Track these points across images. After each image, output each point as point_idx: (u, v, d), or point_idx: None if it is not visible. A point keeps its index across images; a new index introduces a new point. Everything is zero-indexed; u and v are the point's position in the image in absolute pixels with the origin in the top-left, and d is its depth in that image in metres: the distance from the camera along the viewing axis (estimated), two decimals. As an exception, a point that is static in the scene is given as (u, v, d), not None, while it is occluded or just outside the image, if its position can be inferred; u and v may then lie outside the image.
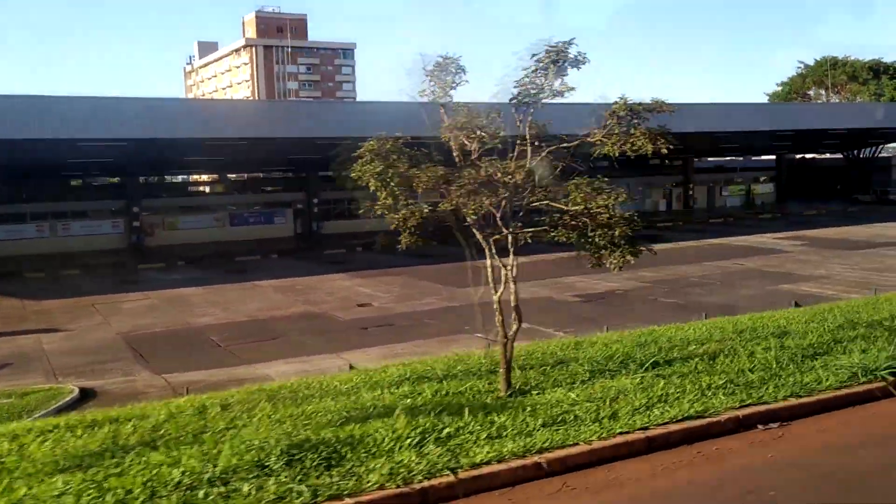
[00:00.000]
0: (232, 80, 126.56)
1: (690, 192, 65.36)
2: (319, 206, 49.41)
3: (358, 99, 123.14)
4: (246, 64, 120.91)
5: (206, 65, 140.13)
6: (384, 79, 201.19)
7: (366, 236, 48.25)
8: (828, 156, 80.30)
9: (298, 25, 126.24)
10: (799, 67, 77.03)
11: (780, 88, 78.99)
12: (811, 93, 78.25)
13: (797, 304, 17.05)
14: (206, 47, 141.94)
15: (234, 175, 55.76)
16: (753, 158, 77.37)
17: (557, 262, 36.76)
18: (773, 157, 79.42)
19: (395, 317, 23.82)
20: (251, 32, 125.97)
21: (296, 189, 50.61)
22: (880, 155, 77.81)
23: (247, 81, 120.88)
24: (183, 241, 44.43)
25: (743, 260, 34.71)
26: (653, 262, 34.72)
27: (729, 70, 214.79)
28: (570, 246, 9.57)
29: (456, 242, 9.65)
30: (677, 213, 62.09)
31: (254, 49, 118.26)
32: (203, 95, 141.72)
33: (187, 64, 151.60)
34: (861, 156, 76.31)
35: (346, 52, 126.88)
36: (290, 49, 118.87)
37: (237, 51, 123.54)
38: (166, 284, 31.64)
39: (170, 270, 35.96)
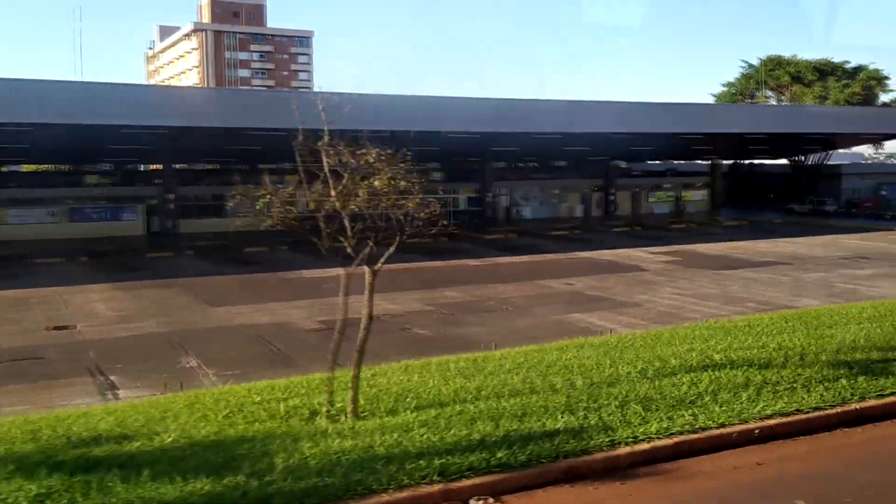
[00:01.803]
0: (184, 67, 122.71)
1: (611, 198, 61.15)
2: (177, 202, 45.49)
3: (315, 89, 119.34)
4: (196, 49, 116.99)
5: (164, 50, 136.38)
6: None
7: (228, 237, 44.37)
8: (776, 161, 76.02)
9: (255, 11, 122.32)
10: (742, 67, 72.70)
11: (725, 89, 74.64)
12: (761, 94, 73.77)
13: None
14: (168, 31, 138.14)
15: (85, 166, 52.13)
16: (688, 163, 73.07)
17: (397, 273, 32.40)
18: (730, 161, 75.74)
19: (69, 346, 19.93)
20: (208, 17, 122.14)
21: (150, 182, 46.80)
22: (828, 162, 73.51)
23: (196, 68, 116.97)
24: (8, 238, 40.56)
25: (577, 279, 30.65)
26: (477, 280, 31.06)
27: (680, 70, 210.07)
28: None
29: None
30: (594, 220, 58.02)
31: (203, 34, 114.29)
32: (162, 82, 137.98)
33: (149, 49, 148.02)
34: (808, 162, 72.04)
35: (303, 39, 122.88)
36: (241, 35, 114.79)
37: (188, 35, 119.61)
38: None
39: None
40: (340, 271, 9.17)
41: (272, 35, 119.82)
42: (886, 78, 68.58)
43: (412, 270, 33.88)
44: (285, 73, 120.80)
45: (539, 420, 8.85)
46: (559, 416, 8.93)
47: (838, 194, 71.51)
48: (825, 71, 67.39)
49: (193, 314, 24.11)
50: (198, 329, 22.00)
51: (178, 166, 51.82)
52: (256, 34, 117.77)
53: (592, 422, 8.77)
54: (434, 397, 10.01)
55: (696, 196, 67.09)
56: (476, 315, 23.97)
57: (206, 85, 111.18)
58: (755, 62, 70.97)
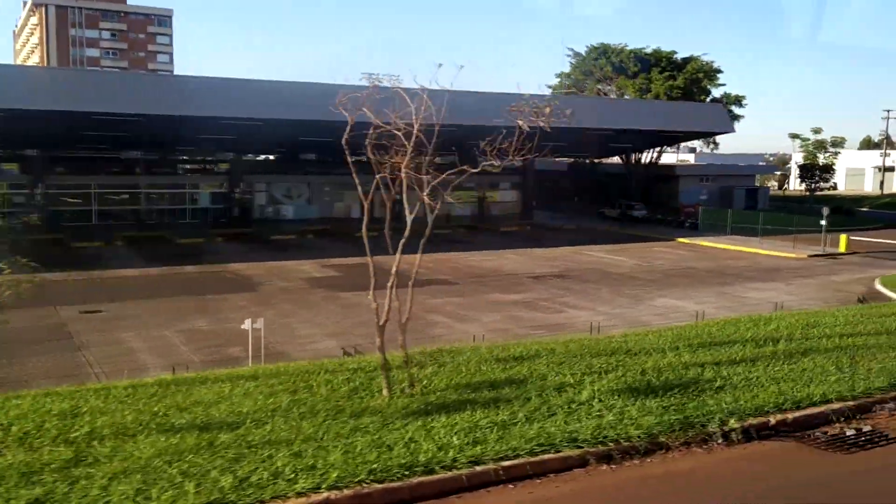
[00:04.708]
0: (33, 45, 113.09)
1: (397, 198, 54.30)
2: None
3: (176, 72, 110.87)
4: (37, 26, 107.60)
5: (23, 27, 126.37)
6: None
7: None
8: (615, 161, 70.31)
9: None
10: (569, 55, 66.33)
11: (558, 81, 68.45)
12: (590, 85, 67.52)
13: None
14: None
15: None
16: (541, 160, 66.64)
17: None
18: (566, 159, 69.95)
19: None
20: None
21: None
22: (662, 162, 68.00)
23: (38, 47, 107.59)
24: None
25: (125, 304, 23.80)
26: None
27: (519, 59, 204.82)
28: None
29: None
30: (374, 222, 51.05)
31: (43, 9, 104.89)
32: (23, 61, 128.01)
33: (16, 26, 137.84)
34: (643, 162, 66.37)
35: (162, 19, 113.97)
36: (88, 11, 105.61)
37: (32, 10, 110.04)
38: None
39: None
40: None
41: (125, 12, 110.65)
42: (718, 71, 63.08)
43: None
44: (141, 53, 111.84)
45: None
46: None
47: (675, 197, 66.25)
48: (648, 61, 61.37)
49: None
50: None
51: None
52: (106, 10, 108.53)
53: None
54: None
55: (506, 197, 60.86)
56: None
57: (46, 65, 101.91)
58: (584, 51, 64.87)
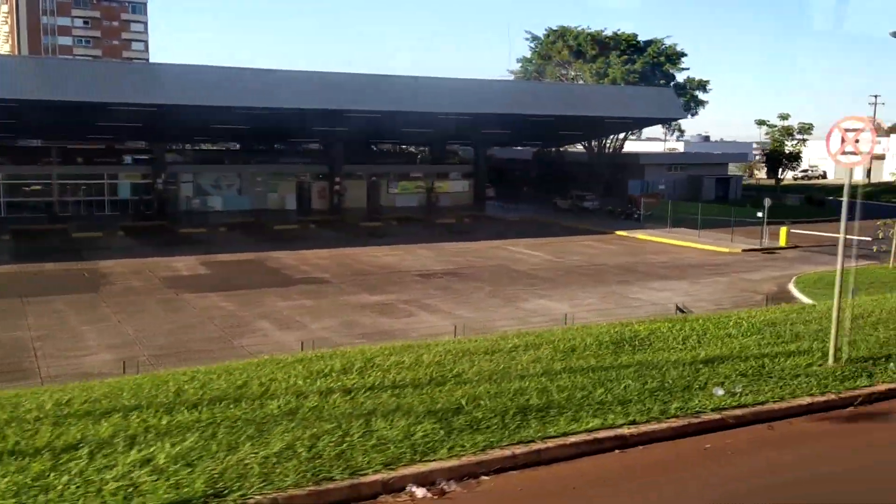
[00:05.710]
0: (6, 33, 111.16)
1: (336, 188, 51.90)
2: None
3: (151, 60, 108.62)
4: (7, 14, 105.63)
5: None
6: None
7: None
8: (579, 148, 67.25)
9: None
10: (527, 39, 63.18)
11: (519, 66, 65.47)
12: (566, 71, 64.64)
13: None
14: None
15: None
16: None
17: None
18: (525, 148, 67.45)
19: None
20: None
21: None
22: (625, 150, 64.95)
23: (9, 35, 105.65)
24: None
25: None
26: None
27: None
28: None
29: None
30: (310, 214, 48.66)
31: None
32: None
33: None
34: (607, 150, 63.40)
35: (136, 6, 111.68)
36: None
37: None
38: None
39: None
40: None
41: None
42: (682, 55, 59.76)
43: None
44: (115, 42, 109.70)
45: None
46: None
47: (637, 187, 63.22)
48: (607, 44, 58.25)
49: None
50: None
51: None
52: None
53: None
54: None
55: (456, 187, 58.10)
56: None
57: (17, 53, 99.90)
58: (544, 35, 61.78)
